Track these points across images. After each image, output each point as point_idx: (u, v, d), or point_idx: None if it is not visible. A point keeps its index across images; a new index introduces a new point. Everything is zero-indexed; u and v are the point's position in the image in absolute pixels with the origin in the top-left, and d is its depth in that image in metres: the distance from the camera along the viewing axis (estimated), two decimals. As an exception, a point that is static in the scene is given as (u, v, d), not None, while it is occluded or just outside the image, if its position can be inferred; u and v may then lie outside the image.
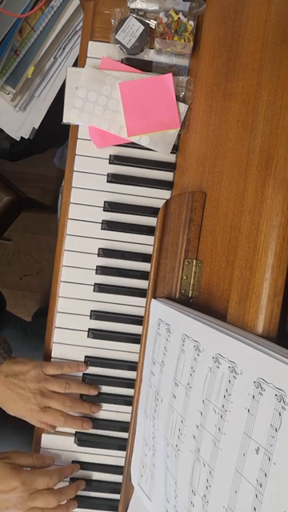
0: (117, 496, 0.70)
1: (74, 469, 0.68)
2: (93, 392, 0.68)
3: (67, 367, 0.68)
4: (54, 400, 0.66)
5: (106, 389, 0.70)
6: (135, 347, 0.68)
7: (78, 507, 0.70)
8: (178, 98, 0.65)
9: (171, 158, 0.68)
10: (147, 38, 0.65)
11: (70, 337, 0.69)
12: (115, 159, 0.67)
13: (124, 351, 0.69)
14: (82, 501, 0.70)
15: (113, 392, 0.70)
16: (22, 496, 0.60)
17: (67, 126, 0.68)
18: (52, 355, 0.70)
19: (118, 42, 0.65)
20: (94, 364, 0.69)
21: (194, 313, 0.53)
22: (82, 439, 0.70)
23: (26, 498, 0.61)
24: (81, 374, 0.70)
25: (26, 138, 0.92)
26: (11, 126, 0.92)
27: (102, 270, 0.68)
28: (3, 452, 0.64)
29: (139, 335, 0.66)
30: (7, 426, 0.67)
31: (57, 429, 0.69)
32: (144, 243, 0.68)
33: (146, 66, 0.66)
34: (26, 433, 0.71)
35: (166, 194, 0.68)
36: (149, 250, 0.68)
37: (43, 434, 0.70)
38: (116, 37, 0.64)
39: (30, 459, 0.65)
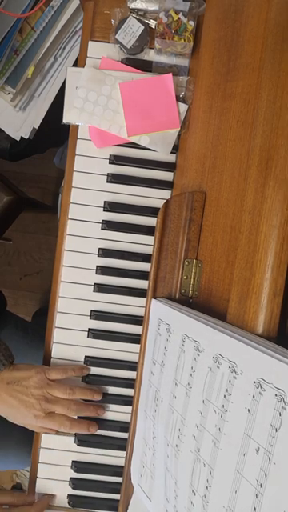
0: (117, 496, 0.70)
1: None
2: (97, 397, 0.67)
3: (71, 371, 0.67)
4: (59, 405, 0.65)
5: (105, 389, 0.70)
6: (135, 347, 0.68)
7: (78, 507, 0.70)
8: (178, 98, 0.65)
9: (171, 158, 0.68)
10: (147, 37, 0.65)
11: (69, 337, 0.69)
12: (115, 159, 0.67)
13: (124, 351, 0.69)
14: (82, 501, 0.70)
15: (113, 392, 0.70)
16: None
17: (67, 126, 0.68)
18: (52, 355, 0.69)
19: (117, 41, 0.65)
20: (93, 364, 0.69)
21: (194, 313, 0.53)
22: (82, 439, 0.70)
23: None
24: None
25: (26, 137, 0.92)
26: (11, 125, 0.91)
27: (102, 270, 0.68)
28: None
29: (139, 335, 0.66)
30: (8, 424, 0.67)
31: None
32: (144, 243, 0.68)
33: (145, 66, 0.66)
34: (27, 432, 0.71)
35: (165, 194, 0.68)
36: (149, 250, 0.68)
37: (43, 434, 0.70)
38: (116, 37, 0.64)
39: (8, 497, 0.64)
